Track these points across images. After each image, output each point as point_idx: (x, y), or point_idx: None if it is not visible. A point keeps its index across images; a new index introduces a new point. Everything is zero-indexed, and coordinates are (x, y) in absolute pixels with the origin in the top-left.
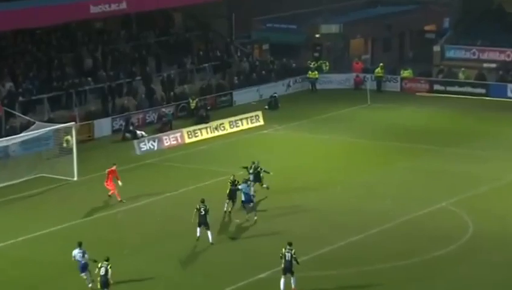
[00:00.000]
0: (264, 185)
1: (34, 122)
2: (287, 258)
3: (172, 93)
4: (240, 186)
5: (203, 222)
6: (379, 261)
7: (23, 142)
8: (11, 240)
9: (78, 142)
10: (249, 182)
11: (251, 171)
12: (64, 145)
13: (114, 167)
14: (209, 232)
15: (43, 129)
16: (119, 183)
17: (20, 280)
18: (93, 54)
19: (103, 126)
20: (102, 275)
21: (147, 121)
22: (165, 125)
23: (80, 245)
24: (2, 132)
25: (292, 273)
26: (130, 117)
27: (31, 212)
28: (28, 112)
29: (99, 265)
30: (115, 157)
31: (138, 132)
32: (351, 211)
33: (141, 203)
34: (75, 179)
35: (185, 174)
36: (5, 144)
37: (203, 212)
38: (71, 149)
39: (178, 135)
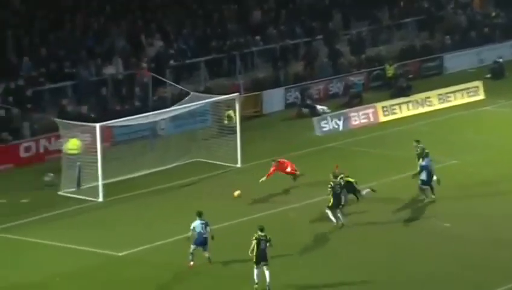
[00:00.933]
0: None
1: (189, 93)
2: None
3: (363, 56)
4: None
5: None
6: None
7: (175, 118)
8: (159, 242)
9: (243, 118)
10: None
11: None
12: (226, 122)
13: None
14: None
15: (199, 102)
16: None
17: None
18: (262, 5)
19: (274, 99)
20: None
21: (330, 92)
22: (353, 99)
23: (199, 215)
24: (148, 105)
25: None
26: (307, 88)
27: (183, 207)
28: (181, 80)
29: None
30: (288, 138)
31: (318, 107)
32: None
33: (318, 199)
34: (238, 165)
35: (378, 163)
36: (152, 119)
37: None
38: (234, 128)
39: (370, 111)
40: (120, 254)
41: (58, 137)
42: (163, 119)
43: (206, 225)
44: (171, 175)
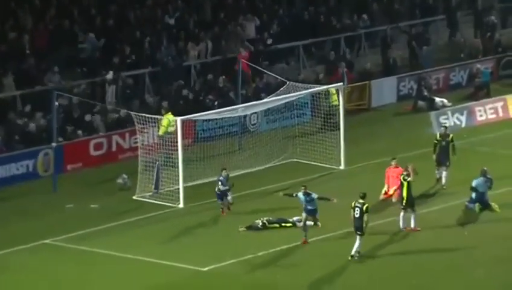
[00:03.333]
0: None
1: (284, 82)
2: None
3: (492, 39)
4: None
5: None
6: None
7: (268, 112)
8: (247, 255)
9: (347, 113)
10: None
11: None
12: (332, 102)
13: (394, 164)
14: None
15: (296, 93)
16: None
17: None
18: None
19: (384, 90)
20: (357, 218)
21: (451, 82)
22: (478, 90)
23: (305, 188)
24: (238, 96)
25: None
26: (423, 77)
27: (276, 214)
28: (276, 68)
29: (353, 204)
30: (400, 136)
31: (437, 100)
32: None
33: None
34: (342, 167)
35: (509, 166)
36: (242, 113)
37: None
38: (336, 123)
39: (499, 105)
40: (204, 269)
41: (133, 133)
42: (255, 113)
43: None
44: (263, 178)
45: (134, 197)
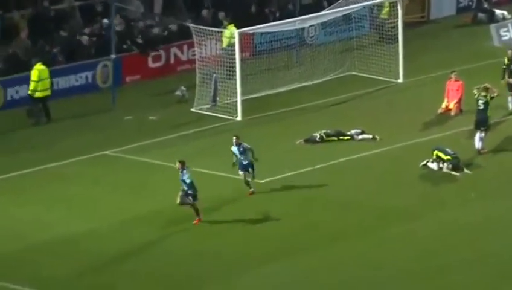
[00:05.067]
0: None
1: None
2: None
3: None
4: None
5: None
6: None
7: (326, 24)
8: (304, 168)
9: (406, 25)
10: None
11: None
12: (381, 15)
13: (454, 77)
14: None
15: (355, 5)
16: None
17: None
18: None
19: (444, 2)
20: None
21: None
22: None
23: (237, 138)
24: (296, 8)
25: None
26: None
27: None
28: None
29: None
30: (459, 49)
31: (498, 12)
32: None
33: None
34: (400, 80)
35: None
36: (300, 26)
37: None
38: (394, 36)
39: None
40: (262, 181)
41: (191, 45)
42: (313, 25)
43: None
44: (320, 91)
45: (192, 110)
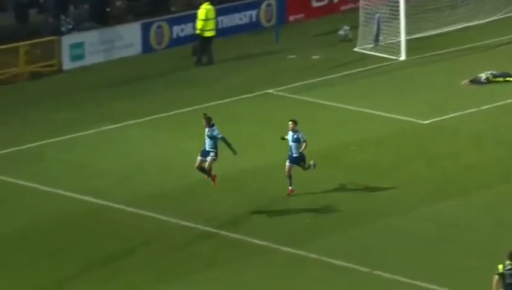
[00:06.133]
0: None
1: None
2: None
3: None
4: None
5: None
6: None
7: None
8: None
9: None
10: None
11: None
12: None
13: None
14: None
15: None
16: None
17: None
18: None
19: None
20: None
21: None
22: None
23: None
24: None
25: None
26: None
27: (493, 67)
28: None
29: None
30: None
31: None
32: None
33: None
34: None
35: None
36: None
37: None
38: None
39: None
40: (425, 122)
41: None
42: None
43: None
44: (486, 32)
45: (355, 49)
